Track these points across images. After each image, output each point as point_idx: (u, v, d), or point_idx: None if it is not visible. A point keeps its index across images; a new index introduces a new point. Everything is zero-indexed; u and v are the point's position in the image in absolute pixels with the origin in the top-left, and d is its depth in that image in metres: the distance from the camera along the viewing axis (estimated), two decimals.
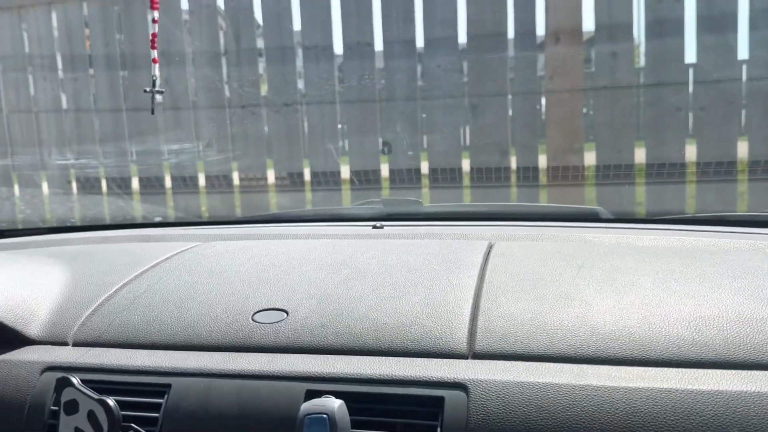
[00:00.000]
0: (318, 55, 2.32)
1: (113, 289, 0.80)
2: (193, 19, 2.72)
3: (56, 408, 0.65)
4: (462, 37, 2.15)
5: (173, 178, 2.70)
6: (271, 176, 2.51)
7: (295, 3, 2.35)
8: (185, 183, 2.73)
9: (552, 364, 0.62)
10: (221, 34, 2.66)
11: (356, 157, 2.31)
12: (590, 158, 2.05)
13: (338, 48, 2.31)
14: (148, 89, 0.97)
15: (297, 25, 2.38)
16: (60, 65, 2.91)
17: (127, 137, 2.79)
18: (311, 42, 2.34)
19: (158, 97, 0.99)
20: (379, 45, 2.22)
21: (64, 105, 2.90)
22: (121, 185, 2.84)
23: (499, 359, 0.64)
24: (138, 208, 2.76)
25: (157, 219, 2.75)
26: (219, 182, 2.61)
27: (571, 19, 2.05)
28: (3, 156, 2.84)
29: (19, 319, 0.73)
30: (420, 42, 2.20)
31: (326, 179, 2.32)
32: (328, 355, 0.68)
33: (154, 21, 0.98)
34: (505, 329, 0.67)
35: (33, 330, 0.74)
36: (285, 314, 0.73)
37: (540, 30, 2.05)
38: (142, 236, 1.02)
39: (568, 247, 0.89)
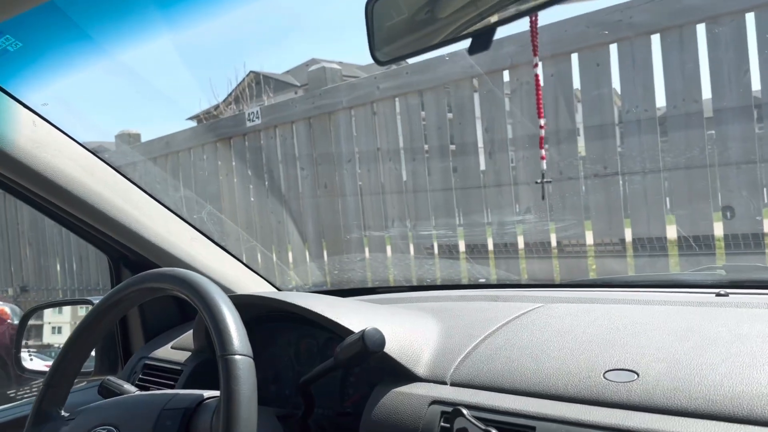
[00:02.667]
0: (640, 124, 2.32)
1: (477, 341, 0.95)
2: (514, 100, 2.97)
3: None
4: None
5: (496, 245, 2.93)
6: (590, 240, 2.54)
7: (615, 73, 2.40)
8: (507, 248, 2.93)
9: None
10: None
11: (685, 222, 2.21)
12: None
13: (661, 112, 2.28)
14: (538, 180, 1.13)
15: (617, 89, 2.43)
16: (402, 151, 3.42)
17: (456, 211, 3.14)
18: (631, 111, 2.35)
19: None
20: (708, 109, 2.13)
21: (405, 186, 3.39)
22: (452, 251, 3.17)
23: None
24: (466, 270, 3.05)
25: (483, 280, 2.99)
26: (539, 248, 2.74)
27: None
28: (377, 228, 3.39)
29: (409, 360, 0.93)
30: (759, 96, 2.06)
31: (651, 244, 2.26)
32: (682, 418, 0.71)
33: (540, 127, 1.15)
34: None
35: (420, 369, 0.92)
36: (635, 375, 0.78)
37: None
38: (491, 296, 1.18)
39: None
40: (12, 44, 0.98)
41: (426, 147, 3.40)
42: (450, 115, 3.30)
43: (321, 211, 3.76)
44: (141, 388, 1.12)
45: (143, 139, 4.78)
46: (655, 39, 2.30)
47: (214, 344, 0.79)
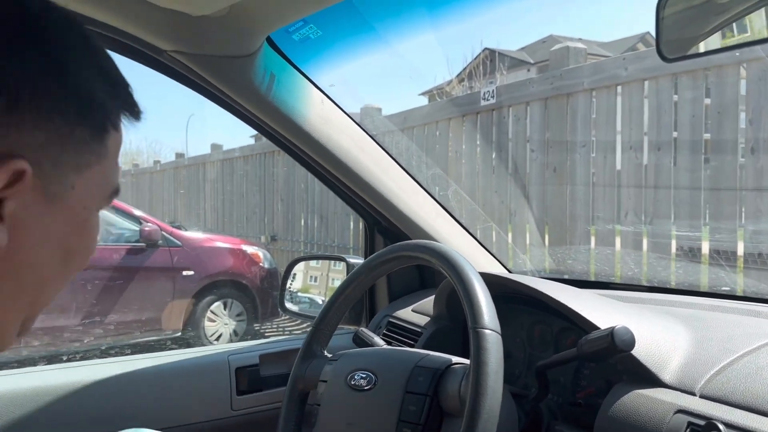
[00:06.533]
0: None
1: (735, 356, 0.89)
2: None
3: None
4: None
5: (748, 254, 2.63)
6: None
7: None
8: (761, 259, 2.61)
9: None
10: None
11: None
12: None
13: None
14: None
15: None
16: (646, 140, 3.20)
17: (702, 211, 2.86)
18: None
19: None
20: None
21: (645, 178, 3.17)
22: (689, 254, 2.92)
23: None
24: (708, 276, 2.79)
25: (728, 290, 2.72)
26: None
27: None
28: (608, 222, 3.25)
29: (656, 364, 0.91)
30: None
31: None
32: None
33: None
34: None
35: (666, 375, 0.90)
36: None
37: None
38: (751, 311, 1.08)
39: None
40: (314, 32, 1.14)
41: (675, 135, 3.14)
42: (707, 101, 2.99)
43: (547, 195, 3.70)
44: (385, 342, 1.25)
45: (384, 113, 5.12)
46: None
47: (467, 316, 0.85)
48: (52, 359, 4.24)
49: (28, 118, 0.45)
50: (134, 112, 0.53)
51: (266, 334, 5.39)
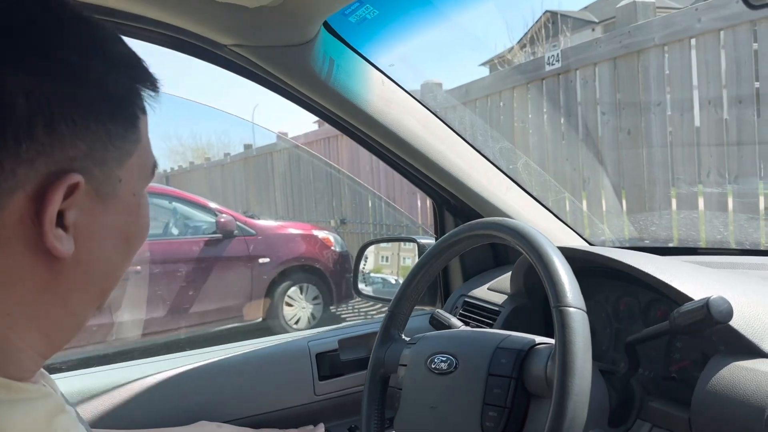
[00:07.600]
0: None
1: None
2: None
3: None
4: None
5: None
6: None
7: None
8: None
9: None
10: None
11: None
12: None
13: None
14: None
15: None
16: (725, 94, 3.01)
17: None
18: None
19: None
20: None
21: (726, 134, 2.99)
22: None
23: None
24: None
25: None
26: None
27: None
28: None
29: (755, 334, 0.85)
30: None
31: None
32: None
33: None
34: None
35: (767, 345, 0.84)
36: None
37: None
38: None
39: None
40: (370, 12, 1.11)
41: (756, 87, 2.93)
42: None
43: (622, 159, 3.54)
44: (462, 322, 1.23)
45: (444, 87, 5.04)
46: None
47: (548, 295, 0.82)
48: (145, 351, 4.48)
49: (66, 132, 0.45)
50: (155, 87, 0.52)
51: (342, 316, 5.48)
